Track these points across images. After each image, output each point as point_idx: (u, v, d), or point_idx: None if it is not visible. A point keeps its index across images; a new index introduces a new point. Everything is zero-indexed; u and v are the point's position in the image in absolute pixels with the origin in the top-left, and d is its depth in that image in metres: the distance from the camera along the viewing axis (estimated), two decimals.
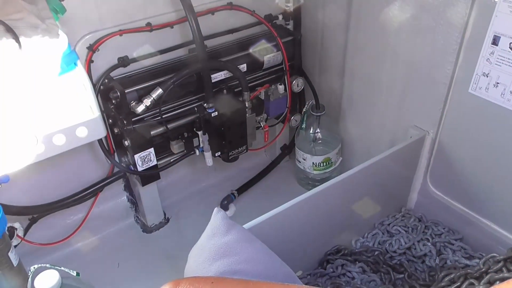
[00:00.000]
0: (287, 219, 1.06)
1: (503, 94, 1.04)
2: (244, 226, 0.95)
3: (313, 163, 1.56)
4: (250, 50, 1.39)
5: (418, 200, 1.38)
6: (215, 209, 0.93)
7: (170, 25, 1.26)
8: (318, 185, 1.11)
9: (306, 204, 1.08)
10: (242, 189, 1.66)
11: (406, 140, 1.27)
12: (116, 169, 1.41)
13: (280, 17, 1.47)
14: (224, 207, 1.59)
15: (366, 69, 1.37)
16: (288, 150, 1.78)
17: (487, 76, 1.06)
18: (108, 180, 1.40)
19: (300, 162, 1.60)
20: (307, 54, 1.58)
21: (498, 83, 1.04)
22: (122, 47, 1.22)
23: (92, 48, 1.17)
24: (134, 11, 1.21)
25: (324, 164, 1.56)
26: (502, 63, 1.02)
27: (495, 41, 1.02)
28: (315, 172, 1.58)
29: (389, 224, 1.35)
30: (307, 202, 1.07)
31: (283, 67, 1.47)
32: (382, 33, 1.26)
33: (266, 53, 1.42)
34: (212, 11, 1.33)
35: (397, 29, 1.21)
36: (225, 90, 1.36)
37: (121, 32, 1.19)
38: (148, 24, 1.22)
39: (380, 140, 1.42)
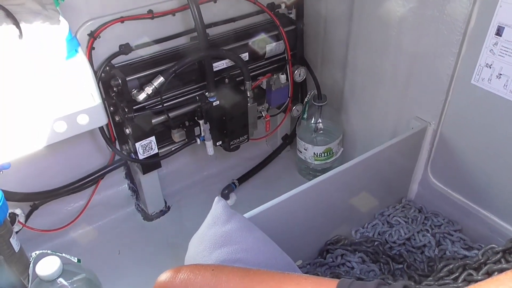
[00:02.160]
0: (287, 209, 1.06)
1: (506, 86, 1.04)
2: (244, 215, 0.96)
3: (314, 153, 1.55)
4: (252, 39, 1.39)
5: (418, 191, 1.38)
6: (216, 198, 0.93)
7: (172, 12, 1.25)
8: (319, 175, 1.12)
9: (306, 194, 1.08)
10: (243, 179, 1.66)
11: (407, 131, 1.27)
12: (117, 157, 1.41)
13: (283, 6, 1.46)
14: (225, 196, 1.59)
15: (368, 60, 1.37)
16: (289, 140, 1.78)
17: (490, 67, 1.05)
18: (109, 168, 1.40)
19: (301, 152, 1.60)
20: (310, 43, 1.57)
21: (501, 74, 1.04)
22: (123, 34, 1.21)
23: (93, 35, 1.16)
24: None
25: (325, 154, 1.55)
26: (506, 54, 1.01)
27: (499, 32, 1.01)
28: (316, 162, 1.58)
29: (389, 215, 1.35)
30: (308, 192, 1.07)
31: (285, 56, 1.47)
32: (385, 24, 1.25)
33: (268, 42, 1.41)
34: None
35: (400, 20, 1.21)
36: (227, 79, 1.35)
37: (122, 19, 1.18)
38: (150, 11, 1.22)
39: (382, 131, 1.42)
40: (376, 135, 1.45)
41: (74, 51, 1.01)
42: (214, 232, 0.85)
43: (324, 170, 1.59)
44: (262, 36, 1.40)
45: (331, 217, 1.23)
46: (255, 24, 1.45)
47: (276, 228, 0.98)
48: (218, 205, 0.90)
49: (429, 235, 1.25)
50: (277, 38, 1.43)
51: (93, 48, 1.18)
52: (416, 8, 1.16)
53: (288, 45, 1.44)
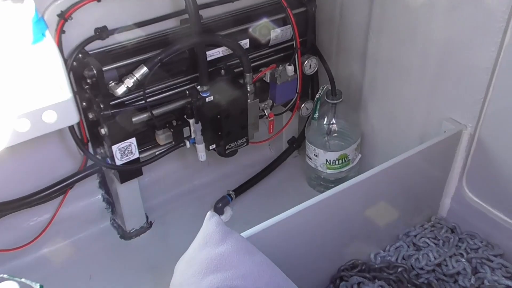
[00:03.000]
0: (294, 227, 1.07)
1: None
2: (242, 234, 0.96)
3: (326, 160, 1.56)
4: (254, 23, 1.39)
5: (451, 207, 1.39)
6: (208, 213, 0.93)
7: None
8: (332, 187, 1.12)
9: (317, 210, 1.08)
10: (241, 190, 1.67)
11: (438, 135, 1.27)
12: (90, 162, 1.41)
13: None
14: (219, 210, 1.60)
15: (392, 49, 1.37)
16: (297, 144, 1.78)
17: None
18: (80, 175, 1.40)
19: (311, 158, 1.60)
20: (323, 29, 1.57)
21: None
22: (100, 15, 1.21)
23: (64, 16, 1.16)
24: None
25: (340, 161, 1.56)
26: None
27: None
28: (328, 171, 1.58)
29: (415, 236, 1.35)
30: (319, 207, 1.08)
31: (293, 44, 1.47)
32: (413, 7, 1.25)
33: (273, 27, 1.42)
34: None
35: (431, 3, 1.21)
36: (223, 71, 1.36)
37: None
38: None
39: (407, 135, 1.43)
40: (400, 140, 1.45)
41: (40, 35, 1.02)
42: (205, 254, 0.85)
43: (338, 181, 1.59)
44: (266, 19, 1.40)
45: (346, 238, 1.23)
46: (257, 5, 1.45)
47: (280, 250, 0.98)
48: (210, 222, 0.90)
49: (464, 260, 1.25)
50: (283, 22, 1.43)
51: (63, 32, 1.18)
52: None
53: (297, 31, 1.44)
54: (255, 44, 1.42)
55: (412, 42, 1.30)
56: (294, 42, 1.47)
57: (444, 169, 1.33)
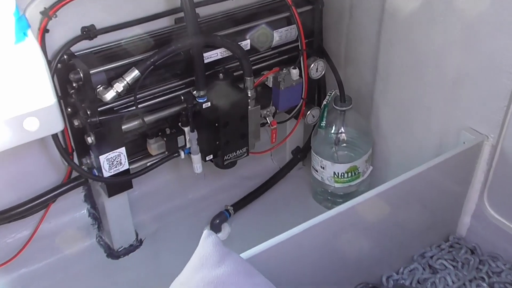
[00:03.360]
0: (298, 247, 1.06)
1: None
2: (241, 255, 0.96)
3: (334, 173, 1.56)
4: (256, 23, 1.39)
5: (471, 225, 1.38)
6: (205, 231, 0.93)
7: None
8: (341, 203, 1.12)
9: (324, 228, 1.08)
10: (240, 205, 1.66)
11: (457, 146, 1.27)
12: (74, 174, 1.41)
13: None
14: (216, 227, 1.59)
15: (407, 51, 1.37)
16: (302, 154, 1.78)
17: None
18: (64, 188, 1.40)
19: (317, 171, 1.60)
20: (331, 29, 1.58)
21: None
22: (87, 13, 1.22)
23: (48, 14, 1.17)
24: None
25: (349, 174, 1.56)
26: None
27: None
28: (336, 185, 1.58)
29: (432, 257, 1.35)
30: (326, 225, 1.07)
31: (298, 45, 1.48)
32: (429, 5, 1.26)
33: (277, 26, 1.42)
34: None
35: (448, 0, 1.21)
36: (221, 74, 1.36)
37: None
38: None
39: (423, 146, 1.42)
40: (415, 151, 1.45)
41: (22, 34, 1.02)
42: (201, 277, 0.85)
43: (347, 196, 1.59)
44: (269, 18, 1.41)
45: (355, 259, 1.23)
46: (259, 3, 1.46)
47: (283, 272, 0.98)
48: (207, 242, 0.90)
49: (485, 285, 1.25)
50: (288, 21, 1.44)
51: (47, 31, 1.18)
52: None
53: (303, 31, 1.44)
54: (257, 45, 1.42)
55: (429, 44, 1.30)
56: (299, 43, 1.47)
57: (463, 184, 1.33)
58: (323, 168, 1.57)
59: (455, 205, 1.37)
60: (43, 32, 1.17)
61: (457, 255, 1.34)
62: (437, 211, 1.34)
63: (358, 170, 1.56)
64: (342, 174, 1.55)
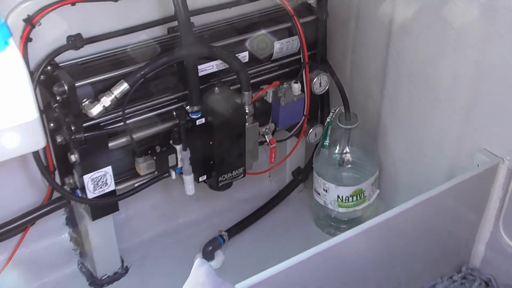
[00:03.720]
0: (298, 278, 1.06)
1: None
2: (236, 286, 0.95)
3: (338, 196, 1.56)
4: (255, 33, 1.41)
5: (486, 255, 1.39)
6: (197, 260, 0.93)
7: None
8: (345, 229, 1.12)
9: (326, 257, 1.08)
10: (236, 230, 1.67)
11: (471, 169, 1.28)
12: (56, 195, 1.41)
13: None
14: (209, 255, 1.59)
15: (418, 66, 1.39)
16: (303, 176, 1.79)
17: None
18: (44, 210, 1.39)
19: (319, 194, 1.60)
20: (336, 40, 1.59)
21: None
22: (74, 21, 1.23)
23: (31, 21, 1.17)
24: None
25: (354, 198, 1.56)
26: None
27: None
28: (340, 209, 1.58)
29: None
30: (329, 253, 1.07)
31: (300, 57, 1.49)
32: (443, 18, 1.27)
33: (277, 37, 1.43)
34: None
35: (463, 13, 1.22)
36: (216, 88, 1.36)
37: (74, 0, 1.19)
38: None
39: (434, 168, 1.43)
40: (426, 174, 1.46)
41: (3, 43, 1.02)
42: None
43: (351, 221, 1.59)
44: (269, 29, 1.42)
45: None
46: (259, 12, 1.47)
47: None
48: (199, 271, 0.90)
49: None
50: (289, 32, 1.45)
51: (30, 40, 1.19)
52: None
53: (305, 43, 1.45)
54: (256, 58, 1.43)
55: (442, 58, 1.31)
56: (301, 55, 1.48)
57: (477, 210, 1.34)
58: (326, 191, 1.57)
59: (468, 233, 1.37)
60: (26, 41, 1.18)
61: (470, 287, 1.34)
62: (449, 239, 1.35)
63: (363, 194, 1.56)
64: (347, 198, 1.56)
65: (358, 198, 1.56)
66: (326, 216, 1.64)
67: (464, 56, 1.26)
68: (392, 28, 1.42)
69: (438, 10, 1.28)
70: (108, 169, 1.30)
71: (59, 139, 1.27)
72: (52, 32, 1.21)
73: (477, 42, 1.23)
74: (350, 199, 1.56)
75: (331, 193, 1.57)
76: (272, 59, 1.48)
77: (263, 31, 1.42)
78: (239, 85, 1.39)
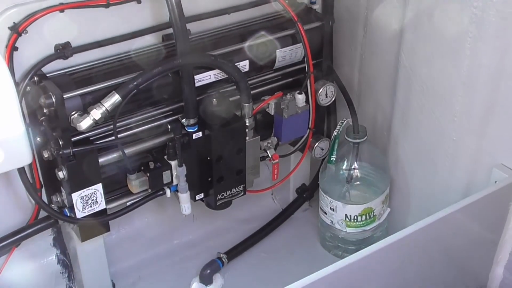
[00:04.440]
0: None
1: None
2: None
3: (346, 215, 1.56)
4: (256, 41, 1.42)
5: (504, 278, 1.38)
6: (194, 284, 0.93)
7: None
8: (353, 251, 1.12)
9: (334, 280, 1.08)
10: (235, 252, 1.67)
11: (488, 186, 1.28)
12: (43, 214, 1.42)
13: None
14: (206, 278, 1.59)
15: (430, 75, 1.40)
16: (308, 193, 1.79)
17: None
18: (30, 230, 1.39)
19: (326, 213, 1.61)
20: (343, 48, 1.61)
21: None
22: (62, 29, 1.23)
23: (17, 29, 1.18)
24: None
25: (363, 217, 1.57)
26: None
27: None
28: (348, 229, 1.59)
29: None
30: (336, 277, 1.07)
31: (304, 67, 1.50)
32: (457, 24, 1.28)
33: (280, 45, 1.45)
34: None
35: (479, 19, 1.23)
36: (214, 100, 1.37)
37: (62, 7, 1.21)
38: None
39: (448, 185, 1.44)
40: (440, 191, 1.47)
41: None
42: None
43: (360, 242, 1.59)
44: (271, 36, 1.43)
45: None
46: (260, 18, 1.49)
47: None
48: None
49: None
50: (293, 39, 1.46)
51: (16, 49, 1.20)
52: (502, 1, 1.19)
53: (310, 51, 1.46)
54: (257, 67, 1.44)
55: (455, 67, 1.32)
56: (306, 64, 1.49)
57: (495, 230, 1.34)
58: (333, 209, 1.58)
59: (485, 255, 1.37)
60: (11, 50, 1.19)
61: None
62: (465, 261, 1.35)
63: (373, 213, 1.57)
64: (355, 217, 1.56)
65: (368, 217, 1.57)
66: (333, 237, 1.65)
67: (479, 66, 1.27)
68: (403, 35, 1.43)
69: (451, 17, 1.29)
70: (99, 187, 1.30)
71: (46, 154, 1.27)
72: (39, 40, 1.22)
73: (492, 51, 1.24)
74: (359, 218, 1.56)
75: (338, 212, 1.57)
76: (274, 68, 1.49)
77: (264, 38, 1.43)
78: (238, 96, 1.39)
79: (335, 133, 1.57)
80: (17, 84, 1.20)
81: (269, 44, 1.43)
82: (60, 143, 1.21)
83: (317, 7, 1.54)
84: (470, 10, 1.24)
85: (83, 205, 1.30)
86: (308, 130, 1.57)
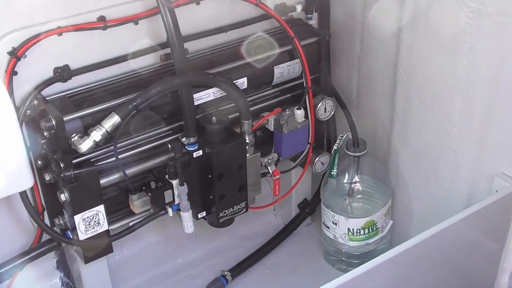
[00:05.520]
0: None
1: None
2: None
3: (348, 229, 1.57)
4: (253, 58, 1.43)
5: (510, 287, 1.37)
6: None
7: (133, 19, 1.30)
8: (357, 264, 1.12)
9: None
10: (239, 270, 1.66)
11: (490, 195, 1.28)
12: (45, 237, 1.42)
13: (299, 7, 1.51)
14: None
15: (428, 86, 1.40)
16: (310, 208, 1.79)
17: None
18: (33, 254, 1.39)
19: (328, 227, 1.61)
20: (340, 62, 1.62)
21: None
22: (61, 52, 1.25)
23: (16, 54, 1.20)
24: None
25: (366, 231, 1.57)
26: None
27: None
28: (352, 243, 1.59)
29: None
30: None
31: (303, 82, 1.50)
32: (451, 35, 1.29)
33: (277, 61, 1.46)
34: None
35: (474, 29, 1.24)
36: (214, 118, 1.37)
37: (60, 30, 1.22)
38: (101, 18, 1.26)
39: (450, 195, 1.44)
40: (442, 202, 1.47)
41: None
42: None
43: (364, 256, 1.59)
44: (268, 52, 1.44)
45: None
46: (257, 35, 1.49)
47: None
48: None
49: None
50: (290, 55, 1.47)
51: (15, 73, 1.21)
52: (497, 11, 1.20)
53: (307, 66, 1.47)
54: (255, 84, 1.45)
55: (453, 77, 1.32)
56: (304, 80, 1.50)
57: (498, 239, 1.33)
58: (336, 224, 1.58)
59: (489, 264, 1.37)
60: (11, 74, 1.20)
61: None
62: (469, 271, 1.35)
63: (376, 226, 1.57)
64: (358, 231, 1.56)
65: (370, 230, 1.57)
66: (337, 251, 1.64)
67: (477, 75, 1.28)
68: (400, 48, 1.44)
69: (448, 28, 1.30)
70: (101, 208, 1.30)
71: (47, 177, 1.28)
72: (38, 64, 1.24)
73: (490, 59, 1.24)
74: (362, 231, 1.56)
75: (341, 226, 1.57)
76: (272, 84, 1.50)
77: (262, 55, 1.44)
78: (238, 114, 1.40)
79: (335, 147, 1.57)
80: (17, 108, 1.21)
81: (266, 60, 1.44)
82: (61, 165, 1.22)
83: (314, 22, 1.55)
84: (465, 21, 1.24)
85: (85, 227, 1.30)
86: (308, 145, 1.57)
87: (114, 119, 1.22)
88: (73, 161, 1.24)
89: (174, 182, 1.35)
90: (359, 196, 1.59)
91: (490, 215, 1.28)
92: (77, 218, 1.28)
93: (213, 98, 1.38)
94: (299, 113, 1.49)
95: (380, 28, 1.48)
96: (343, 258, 1.64)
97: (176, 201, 1.39)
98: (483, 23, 1.22)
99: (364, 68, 1.57)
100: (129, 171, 1.32)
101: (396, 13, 1.41)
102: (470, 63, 1.28)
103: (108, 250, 1.39)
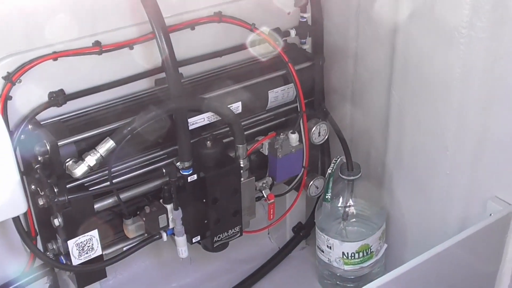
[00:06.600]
0: None
1: None
2: None
3: (343, 253, 1.56)
4: (248, 82, 1.44)
5: None
6: None
7: (128, 44, 1.30)
8: None
9: None
10: None
11: (483, 219, 1.28)
12: (38, 262, 1.41)
13: (293, 32, 1.53)
14: None
15: (421, 110, 1.41)
16: (304, 232, 1.79)
17: None
18: (26, 279, 1.39)
19: (323, 251, 1.60)
20: (334, 86, 1.62)
21: None
22: (56, 77, 1.25)
23: (11, 79, 1.20)
24: (75, 24, 1.24)
25: (361, 254, 1.56)
26: None
27: None
28: (346, 267, 1.58)
29: None
30: None
31: (297, 106, 1.51)
32: (443, 54, 1.30)
33: (272, 86, 1.47)
34: (191, 25, 1.38)
35: (468, 43, 1.23)
36: (208, 142, 1.37)
37: (55, 55, 1.22)
38: (97, 43, 1.27)
39: (444, 218, 1.44)
40: (436, 225, 1.47)
41: None
42: None
43: (359, 280, 1.59)
44: (262, 77, 1.45)
45: None
46: (251, 60, 1.51)
47: None
48: None
49: None
50: (284, 80, 1.48)
51: (10, 98, 1.21)
52: (489, 27, 1.20)
53: (302, 90, 1.48)
54: (249, 108, 1.45)
55: (446, 101, 1.33)
56: (298, 104, 1.50)
57: (493, 262, 1.34)
58: (330, 247, 1.57)
59: (485, 286, 1.37)
60: (6, 99, 1.20)
61: None
62: None
63: (370, 249, 1.57)
64: (353, 254, 1.56)
65: (365, 254, 1.56)
66: (331, 275, 1.64)
67: (471, 98, 1.28)
68: (393, 72, 1.45)
69: (441, 51, 1.31)
70: (94, 233, 1.30)
71: (41, 202, 1.27)
72: (33, 89, 1.23)
73: (482, 81, 1.25)
74: (356, 255, 1.56)
75: (335, 250, 1.57)
76: (267, 108, 1.50)
77: (256, 80, 1.45)
78: (232, 138, 1.40)
79: (329, 171, 1.58)
80: (11, 133, 1.21)
81: (261, 85, 1.45)
82: (55, 190, 1.21)
83: (307, 47, 1.57)
84: (456, 46, 1.25)
85: (79, 252, 1.29)
86: (303, 169, 1.57)
87: (109, 144, 1.22)
88: (67, 186, 1.24)
89: (169, 207, 1.35)
90: (354, 219, 1.59)
91: (484, 238, 1.28)
92: (71, 243, 1.28)
93: (207, 122, 1.38)
94: (294, 137, 1.49)
95: (374, 52, 1.49)
96: (338, 282, 1.64)
97: (171, 226, 1.38)
98: (474, 47, 1.23)
99: (357, 92, 1.58)
100: (124, 196, 1.32)
101: (388, 33, 1.43)
102: (463, 85, 1.29)
103: (101, 275, 1.38)
